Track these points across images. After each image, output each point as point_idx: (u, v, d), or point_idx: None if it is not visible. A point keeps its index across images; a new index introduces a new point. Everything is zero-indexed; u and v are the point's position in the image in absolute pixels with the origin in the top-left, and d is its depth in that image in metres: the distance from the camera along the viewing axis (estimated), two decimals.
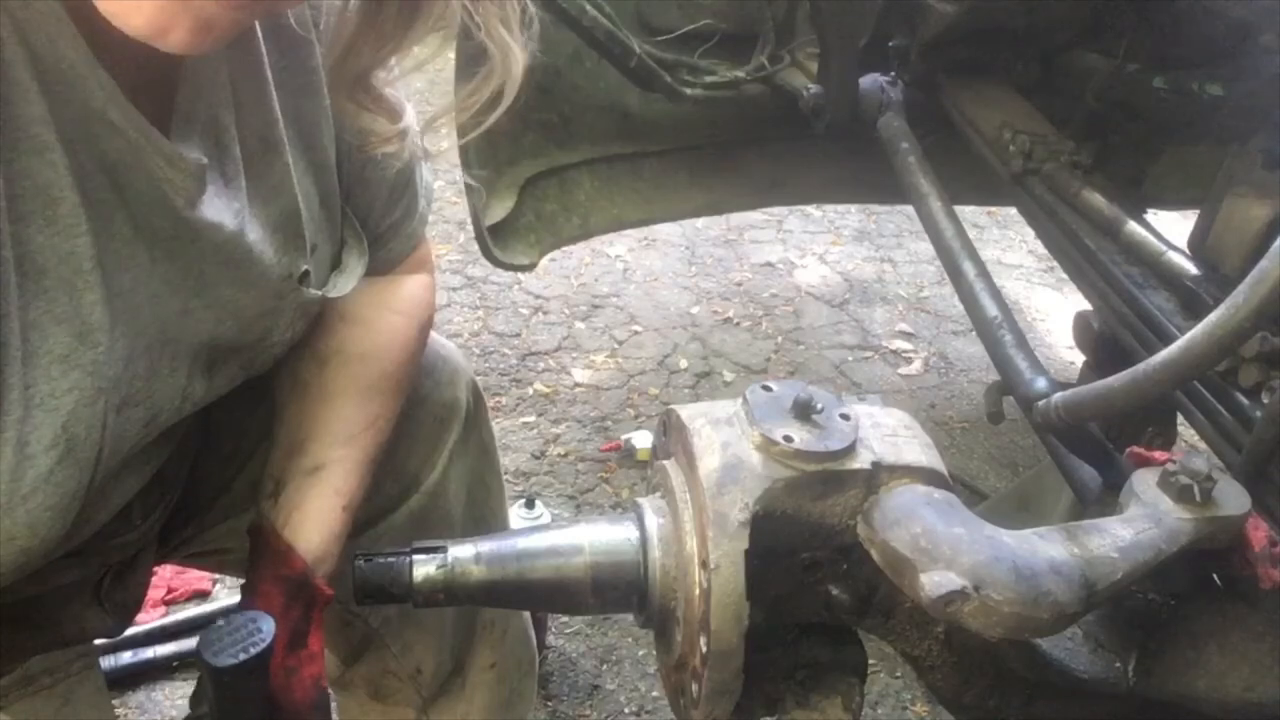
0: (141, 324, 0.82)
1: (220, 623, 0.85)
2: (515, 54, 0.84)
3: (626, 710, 1.92)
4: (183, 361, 0.89)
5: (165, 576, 2.03)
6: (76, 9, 0.70)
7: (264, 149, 0.91)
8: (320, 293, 1.01)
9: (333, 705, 1.44)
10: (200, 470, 1.14)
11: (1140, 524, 0.80)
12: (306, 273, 0.97)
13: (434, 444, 1.22)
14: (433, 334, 1.22)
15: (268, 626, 0.86)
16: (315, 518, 1.00)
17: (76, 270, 0.74)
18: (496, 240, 2.04)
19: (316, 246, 1.00)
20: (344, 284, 1.04)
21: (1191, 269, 1.33)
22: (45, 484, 0.74)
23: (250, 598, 0.96)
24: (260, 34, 0.89)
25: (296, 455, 1.04)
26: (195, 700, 0.91)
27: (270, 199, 0.92)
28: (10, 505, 0.73)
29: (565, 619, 2.07)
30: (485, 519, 1.33)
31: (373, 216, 1.09)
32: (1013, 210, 2.58)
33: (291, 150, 0.95)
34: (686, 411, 0.84)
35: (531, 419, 2.69)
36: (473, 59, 0.87)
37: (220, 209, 0.86)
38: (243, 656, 0.83)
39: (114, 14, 0.68)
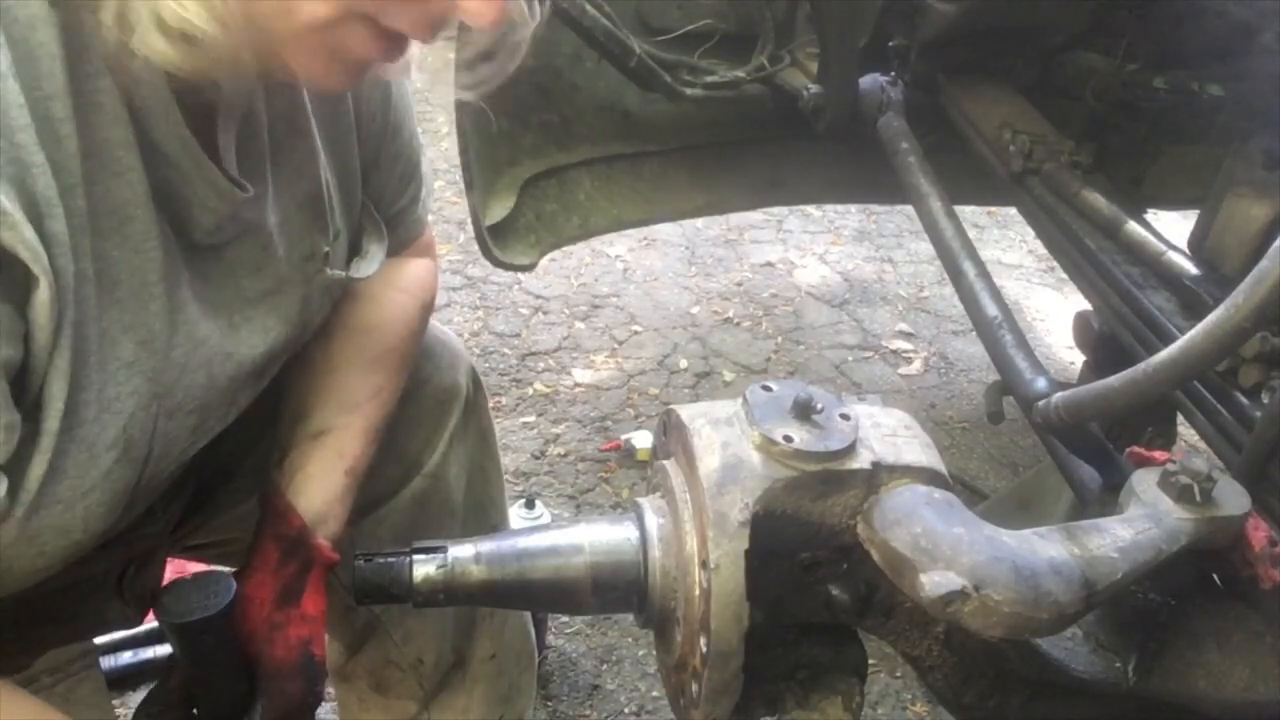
0: (199, 337, 0.86)
1: (185, 580, 0.87)
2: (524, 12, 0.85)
3: (626, 710, 1.92)
4: (243, 373, 0.92)
5: (167, 576, 2.02)
6: None
7: (290, 133, 0.94)
8: (344, 273, 1.04)
9: (333, 704, 1.45)
10: (209, 460, 1.15)
11: (1140, 524, 0.80)
12: (327, 254, 1.00)
13: (435, 427, 1.24)
14: (433, 321, 1.24)
15: (228, 587, 0.87)
16: (317, 479, 1.02)
17: (144, 282, 0.78)
18: (496, 240, 2.04)
19: (339, 233, 1.03)
20: (366, 268, 1.07)
21: (1191, 269, 1.33)
22: (103, 481, 0.78)
23: (249, 555, 0.98)
24: None
25: (301, 422, 1.06)
26: (168, 664, 0.93)
27: (294, 180, 0.95)
28: (72, 501, 0.76)
29: (565, 619, 2.07)
30: (485, 507, 1.34)
31: (384, 202, 1.12)
32: (1013, 210, 2.58)
33: (316, 134, 0.97)
34: (686, 411, 0.84)
35: (531, 419, 2.69)
36: None
37: (249, 210, 0.89)
38: (197, 615, 0.85)
39: (311, 82, 0.79)
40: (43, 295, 0.68)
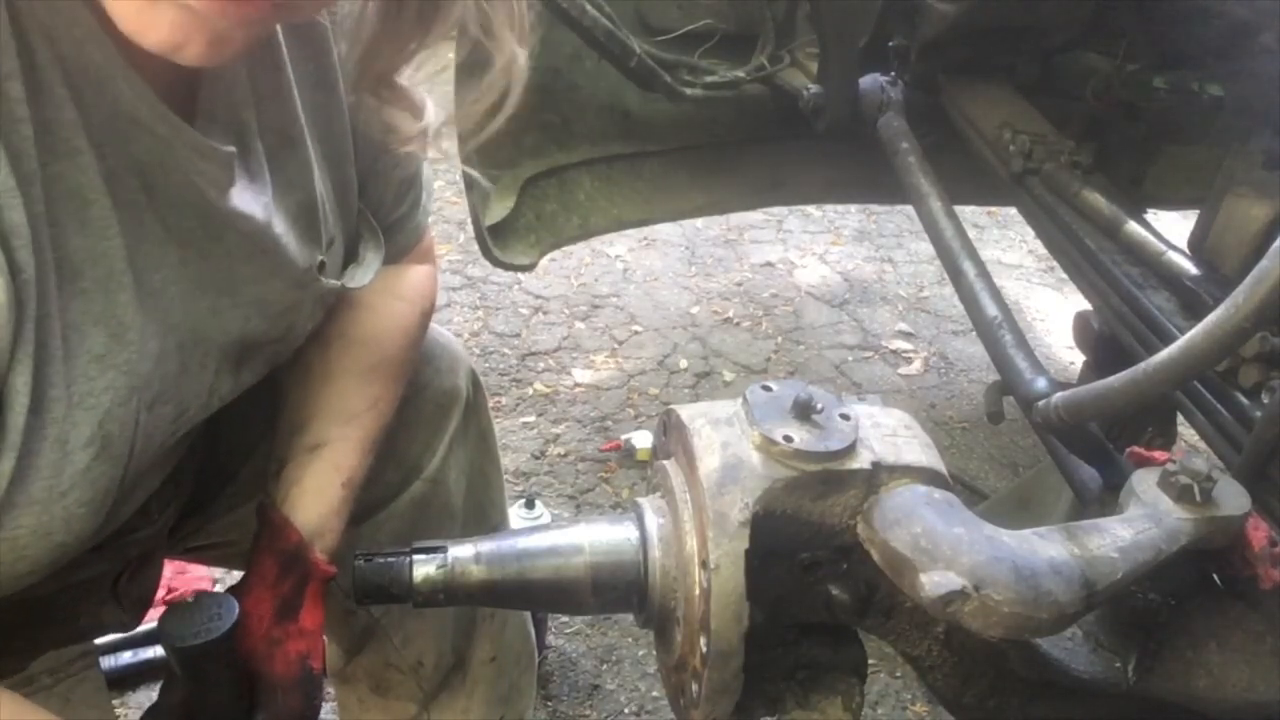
0: (172, 323, 0.83)
1: (186, 602, 0.87)
2: (519, 58, 0.84)
3: (626, 710, 1.92)
4: (212, 359, 0.90)
5: (166, 576, 2.02)
6: (103, 12, 0.70)
7: (281, 143, 0.92)
8: (339, 283, 1.03)
9: (333, 704, 1.45)
10: (207, 461, 1.15)
11: (1140, 524, 0.80)
12: (322, 264, 0.99)
13: (435, 431, 1.24)
14: (433, 324, 1.23)
15: (230, 609, 0.87)
16: (314, 493, 1.01)
17: (109, 271, 0.76)
18: (496, 240, 2.04)
19: (334, 240, 1.01)
20: (362, 276, 1.06)
21: (1191, 269, 1.33)
22: (82, 480, 0.76)
23: (246, 571, 0.97)
24: (280, 30, 0.90)
25: (298, 434, 1.05)
26: (167, 677, 0.93)
27: (288, 191, 0.94)
28: (49, 501, 0.74)
29: (565, 619, 2.07)
30: (485, 509, 1.34)
31: (382, 210, 1.11)
32: (1013, 210, 2.58)
33: (310, 144, 0.96)
34: (686, 411, 0.84)
35: (531, 419, 2.69)
36: (475, 65, 0.87)
37: (249, 201, 0.87)
38: (199, 640, 0.85)
39: (131, 31, 0.68)
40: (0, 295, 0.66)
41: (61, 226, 0.72)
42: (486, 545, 0.86)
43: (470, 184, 1.97)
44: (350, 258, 1.07)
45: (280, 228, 0.92)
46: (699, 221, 3.75)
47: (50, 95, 0.70)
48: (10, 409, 0.70)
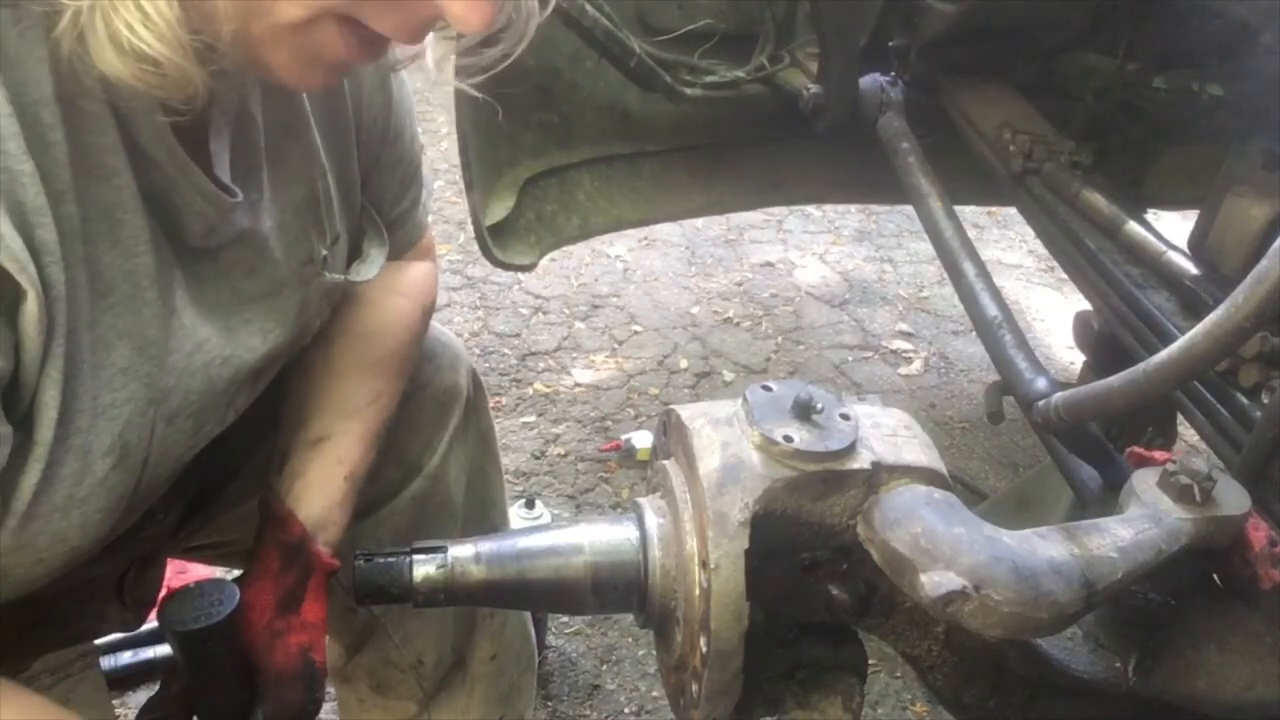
0: (198, 340, 0.85)
1: (188, 588, 0.88)
2: None
3: (626, 710, 1.92)
4: (238, 376, 0.92)
5: (167, 576, 2.02)
6: None
7: (286, 136, 0.94)
8: (344, 277, 1.03)
9: (333, 703, 1.45)
10: (210, 459, 1.15)
11: (1140, 524, 0.80)
12: (325, 257, 1.00)
13: (435, 428, 1.24)
14: (434, 322, 1.24)
15: (231, 596, 0.88)
16: (317, 486, 1.02)
17: (137, 287, 0.78)
18: (496, 240, 2.04)
19: (338, 236, 1.02)
20: (366, 271, 1.07)
21: (1191, 269, 1.33)
22: (100, 488, 0.78)
23: (249, 563, 0.98)
24: None
25: (301, 429, 1.06)
26: (167, 671, 0.93)
27: (291, 184, 0.95)
28: (68, 508, 0.76)
29: (565, 619, 2.07)
30: (485, 508, 1.34)
31: (385, 205, 1.12)
32: (1013, 210, 2.58)
33: (316, 138, 0.97)
34: (686, 411, 0.84)
35: (531, 419, 2.69)
36: None
37: (242, 215, 0.88)
38: (200, 624, 0.85)
39: (290, 82, 0.77)
40: (31, 308, 0.68)
41: (95, 243, 0.74)
42: (486, 545, 0.86)
43: (470, 188, 1.97)
44: (355, 253, 1.08)
45: (275, 228, 0.93)
46: (699, 221, 3.75)
47: (94, 121, 0.72)
48: (39, 423, 0.72)
